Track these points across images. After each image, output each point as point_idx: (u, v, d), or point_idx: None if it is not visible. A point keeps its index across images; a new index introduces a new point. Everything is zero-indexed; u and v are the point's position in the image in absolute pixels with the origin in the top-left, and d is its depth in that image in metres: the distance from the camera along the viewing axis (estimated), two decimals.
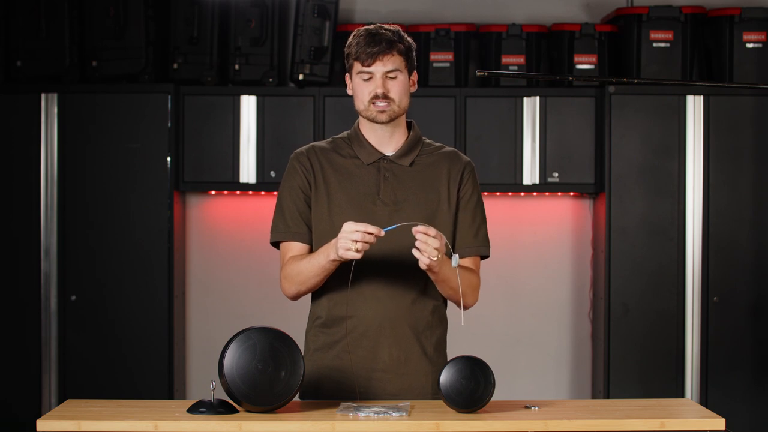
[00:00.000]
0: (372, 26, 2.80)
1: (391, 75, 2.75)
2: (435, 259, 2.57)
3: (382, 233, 2.57)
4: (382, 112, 2.76)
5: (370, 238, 2.55)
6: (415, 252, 2.58)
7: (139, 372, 5.05)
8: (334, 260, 2.65)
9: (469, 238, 2.82)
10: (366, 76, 2.75)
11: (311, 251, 2.79)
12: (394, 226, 2.62)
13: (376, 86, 2.74)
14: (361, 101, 2.78)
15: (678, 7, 5.15)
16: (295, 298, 2.83)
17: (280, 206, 2.84)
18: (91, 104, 5.10)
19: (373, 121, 2.79)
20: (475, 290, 2.81)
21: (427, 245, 2.56)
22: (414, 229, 2.57)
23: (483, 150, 5.11)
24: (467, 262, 2.82)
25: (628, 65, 5.17)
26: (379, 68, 2.74)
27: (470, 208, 2.83)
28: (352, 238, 2.54)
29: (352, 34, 2.80)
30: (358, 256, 2.56)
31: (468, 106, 5.16)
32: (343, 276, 2.74)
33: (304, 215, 2.80)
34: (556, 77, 5.43)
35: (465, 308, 2.84)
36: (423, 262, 2.58)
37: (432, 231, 2.57)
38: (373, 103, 2.76)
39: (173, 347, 5.08)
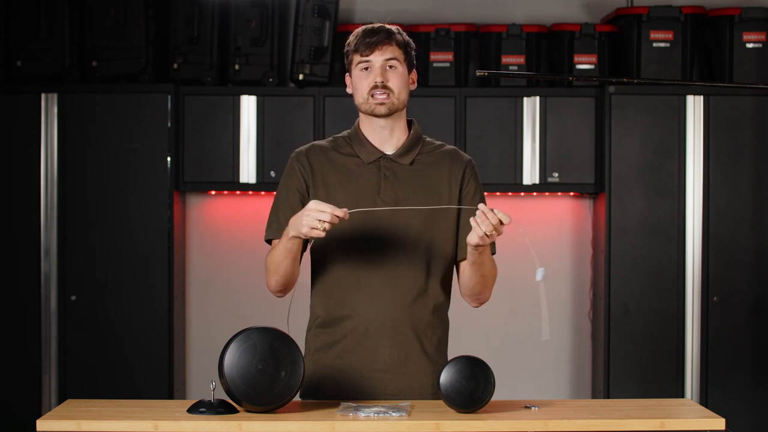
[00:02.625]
0: (371, 24, 2.83)
1: (391, 64, 2.76)
2: (490, 233, 2.53)
3: (347, 217, 2.54)
4: (382, 104, 2.77)
5: (336, 220, 2.53)
6: (472, 221, 2.54)
7: (139, 372, 5.05)
8: (293, 237, 2.62)
9: None
10: (365, 65, 2.76)
11: (304, 250, 2.79)
12: (363, 210, 2.62)
13: (376, 75, 2.75)
14: (361, 94, 2.79)
15: (678, 7, 5.15)
16: (277, 291, 2.79)
17: (276, 205, 2.84)
18: (91, 104, 5.10)
19: (373, 114, 2.79)
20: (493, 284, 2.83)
21: (486, 218, 2.52)
22: (480, 206, 2.54)
23: (483, 150, 5.11)
24: None
25: (628, 65, 5.17)
26: (378, 57, 2.75)
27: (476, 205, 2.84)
28: (318, 217, 2.52)
29: (352, 33, 2.83)
30: (323, 234, 2.54)
31: (468, 106, 5.16)
32: (343, 276, 2.75)
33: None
34: (556, 77, 5.43)
35: (481, 303, 2.85)
36: (477, 233, 2.54)
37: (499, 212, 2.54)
38: (372, 95, 2.76)
39: (173, 347, 5.08)
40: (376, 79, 2.75)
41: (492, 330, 5.46)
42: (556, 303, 5.48)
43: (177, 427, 2.45)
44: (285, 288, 2.80)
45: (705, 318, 5.04)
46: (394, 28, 2.81)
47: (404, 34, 2.82)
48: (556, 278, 5.47)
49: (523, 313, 5.49)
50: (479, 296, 2.82)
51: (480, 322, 5.33)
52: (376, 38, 2.75)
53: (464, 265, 2.79)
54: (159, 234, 5.07)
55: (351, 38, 2.81)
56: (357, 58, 2.78)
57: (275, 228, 2.80)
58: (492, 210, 2.53)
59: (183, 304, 5.37)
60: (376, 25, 2.81)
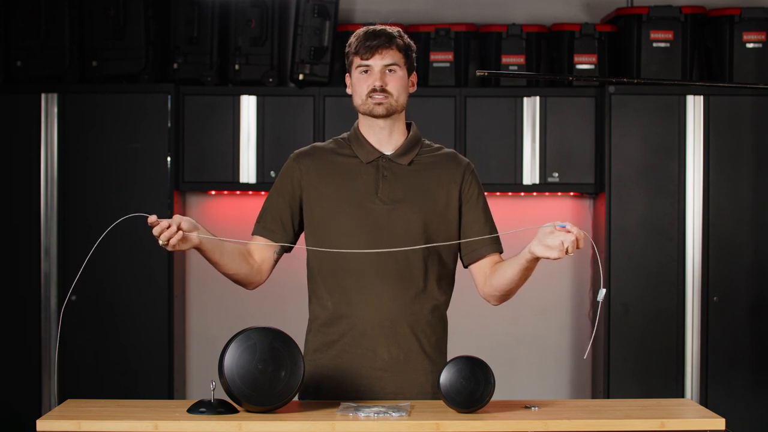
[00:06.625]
0: (372, 26, 2.83)
1: (390, 68, 2.77)
2: (568, 250, 2.52)
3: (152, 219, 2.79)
4: (380, 104, 2.77)
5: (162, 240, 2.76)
6: (549, 236, 2.54)
7: (139, 372, 5.04)
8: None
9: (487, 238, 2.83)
10: (364, 69, 2.78)
11: (288, 250, 2.91)
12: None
13: (375, 79, 2.76)
14: (359, 95, 2.80)
15: (678, 7, 5.15)
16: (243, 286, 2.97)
17: (264, 205, 2.92)
18: (91, 104, 5.10)
19: (371, 114, 2.80)
20: None
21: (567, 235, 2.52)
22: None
23: (483, 150, 5.11)
24: (496, 258, 2.84)
25: (628, 65, 5.17)
26: (377, 61, 2.76)
27: (480, 209, 2.85)
28: (162, 230, 2.80)
29: (353, 34, 2.83)
30: (168, 247, 2.82)
31: (468, 106, 5.16)
32: (341, 276, 2.76)
33: (282, 217, 2.86)
34: (556, 77, 5.43)
35: (503, 302, 2.88)
36: (552, 245, 2.53)
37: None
38: (371, 97, 2.77)
39: (173, 347, 5.08)
40: (375, 83, 2.76)
41: (492, 330, 5.46)
42: (556, 303, 5.48)
43: (177, 427, 2.45)
44: (243, 285, 2.99)
45: (705, 318, 5.04)
46: (395, 30, 2.81)
47: (405, 36, 2.82)
48: (556, 278, 5.47)
49: (524, 313, 5.48)
50: (508, 297, 2.85)
51: (480, 322, 5.33)
52: (377, 42, 2.76)
53: (497, 269, 2.79)
54: None
55: (352, 39, 2.82)
56: (357, 60, 2.79)
57: (260, 225, 2.93)
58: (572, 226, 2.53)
59: (183, 303, 5.37)
60: (378, 27, 2.81)
